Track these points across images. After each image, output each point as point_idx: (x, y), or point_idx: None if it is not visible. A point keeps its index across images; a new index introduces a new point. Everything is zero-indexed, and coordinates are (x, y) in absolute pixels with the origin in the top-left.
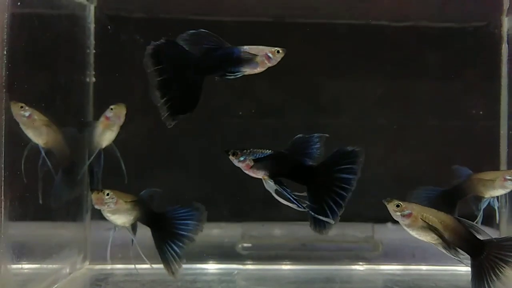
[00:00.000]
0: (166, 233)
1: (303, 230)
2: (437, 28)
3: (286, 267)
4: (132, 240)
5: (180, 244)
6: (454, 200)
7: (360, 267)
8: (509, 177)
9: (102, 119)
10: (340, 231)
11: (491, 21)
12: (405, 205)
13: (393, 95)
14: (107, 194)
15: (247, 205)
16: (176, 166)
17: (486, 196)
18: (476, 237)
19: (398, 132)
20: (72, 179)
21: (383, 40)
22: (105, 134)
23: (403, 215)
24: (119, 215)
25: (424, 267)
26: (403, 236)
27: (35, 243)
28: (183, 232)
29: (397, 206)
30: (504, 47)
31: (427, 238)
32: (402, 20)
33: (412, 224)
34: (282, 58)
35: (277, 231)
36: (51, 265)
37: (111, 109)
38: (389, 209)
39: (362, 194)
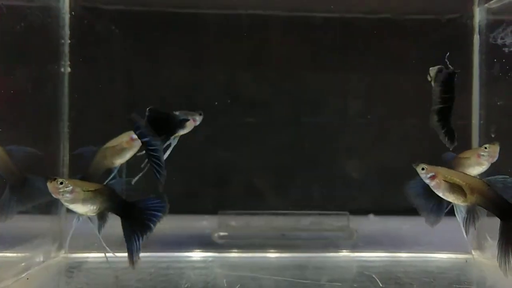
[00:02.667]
0: (136, 224)
1: (279, 220)
2: (411, 20)
3: (260, 254)
4: (98, 230)
5: (145, 235)
6: None
7: (334, 254)
8: (483, 153)
9: (125, 138)
10: (317, 221)
11: (464, 12)
12: (430, 168)
13: (370, 88)
14: (61, 183)
15: (226, 196)
16: None
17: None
18: (506, 200)
19: (376, 125)
20: (23, 195)
21: (358, 32)
22: (125, 154)
23: (428, 177)
24: (77, 204)
25: (397, 254)
26: (382, 227)
27: (5, 234)
28: (151, 224)
29: (423, 169)
30: (476, 38)
31: (452, 198)
32: (377, 12)
33: (437, 185)
34: (263, 51)
35: (254, 221)
36: (21, 254)
37: None
38: (417, 171)
39: (342, 187)
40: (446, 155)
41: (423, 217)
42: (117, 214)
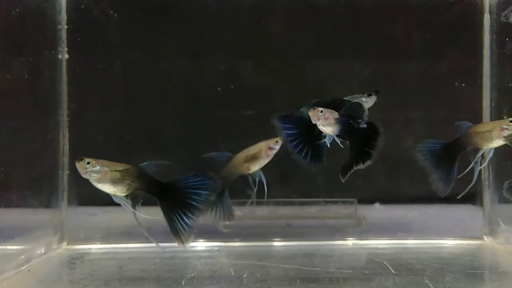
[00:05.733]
0: (176, 203)
1: (285, 209)
2: (419, 1)
3: (267, 243)
4: (133, 209)
5: (190, 214)
6: (455, 153)
7: (343, 242)
8: (506, 127)
9: (264, 148)
10: (324, 209)
11: None
12: None
13: (377, 73)
14: (88, 163)
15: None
16: (158, 149)
17: (484, 148)
18: None
19: (384, 113)
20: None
21: (363, 15)
22: (262, 162)
23: None
24: (104, 183)
25: (407, 241)
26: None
27: (5, 226)
28: (193, 202)
29: None
30: (486, 17)
31: None
32: None
33: None
34: (265, 37)
35: (260, 210)
36: (22, 246)
37: (276, 141)
38: None
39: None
40: (461, 124)
41: (433, 184)
42: (151, 194)
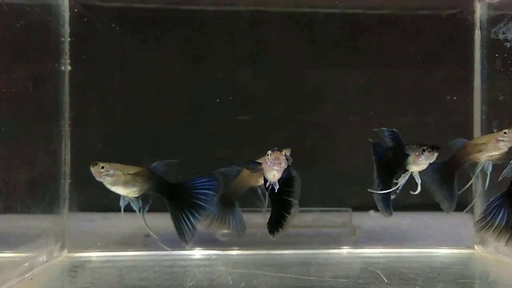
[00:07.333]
0: (183, 203)
1: None
2: (412, 16)
3: (264, 252)
4: (142, 211)
5: (196, 214)
6: (453, 170)
7: (338, 251)
8: (501, 138)
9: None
10: (320, 217)
11: (465, 7)
12: None
13: (371, 83)
14: (102, 167)
15: None
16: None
17: (481, 161)
18: None
19: (377, 121)
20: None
21: (358, 28)
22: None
23: None
24: (118, 186)
25: (400, 250)
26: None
27: (8, 234)
28: (200, 202)
29: None
30: (477, 33)
31: None
32: (377, 8)
33: None
34: (263, 47)
35: (256, 218)
36: (25, 254)
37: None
38: None
39: (343, 183)
40: (455, 142)
41: (439, 203)
42: (161, 194)
